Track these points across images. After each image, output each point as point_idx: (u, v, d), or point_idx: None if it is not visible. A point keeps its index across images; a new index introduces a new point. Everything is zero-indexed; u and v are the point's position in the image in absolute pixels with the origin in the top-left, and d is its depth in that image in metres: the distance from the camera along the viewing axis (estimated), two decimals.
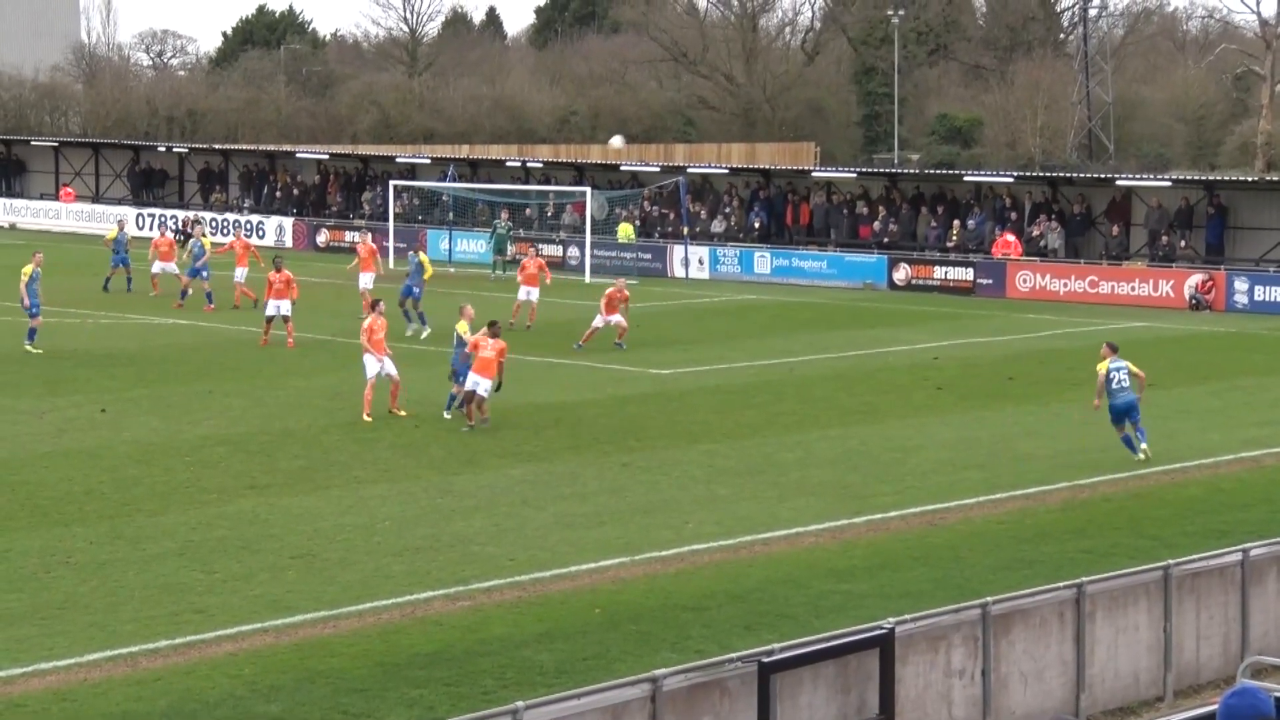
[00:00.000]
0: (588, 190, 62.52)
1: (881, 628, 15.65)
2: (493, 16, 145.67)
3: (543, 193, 67.81)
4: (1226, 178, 69.55)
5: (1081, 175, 70.04)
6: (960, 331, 45.58)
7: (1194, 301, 51.57)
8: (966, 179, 62.38)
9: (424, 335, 41.12)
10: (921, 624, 16.06)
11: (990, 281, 55.25)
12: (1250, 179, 73.66)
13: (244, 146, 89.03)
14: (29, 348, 38.63)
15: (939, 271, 56.60)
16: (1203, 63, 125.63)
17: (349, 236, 66.38)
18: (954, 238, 58.28)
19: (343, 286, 50.68)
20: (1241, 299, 51.45)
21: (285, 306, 40.49)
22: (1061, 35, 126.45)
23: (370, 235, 50.48)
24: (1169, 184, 58.89)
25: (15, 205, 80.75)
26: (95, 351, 39.45)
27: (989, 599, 16.67)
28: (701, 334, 44.25)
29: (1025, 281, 54.61)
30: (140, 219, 72.11)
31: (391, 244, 63.07)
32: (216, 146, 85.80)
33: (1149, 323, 47.64)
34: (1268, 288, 51.29)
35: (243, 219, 72.79)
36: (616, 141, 70.58)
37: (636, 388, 35.30)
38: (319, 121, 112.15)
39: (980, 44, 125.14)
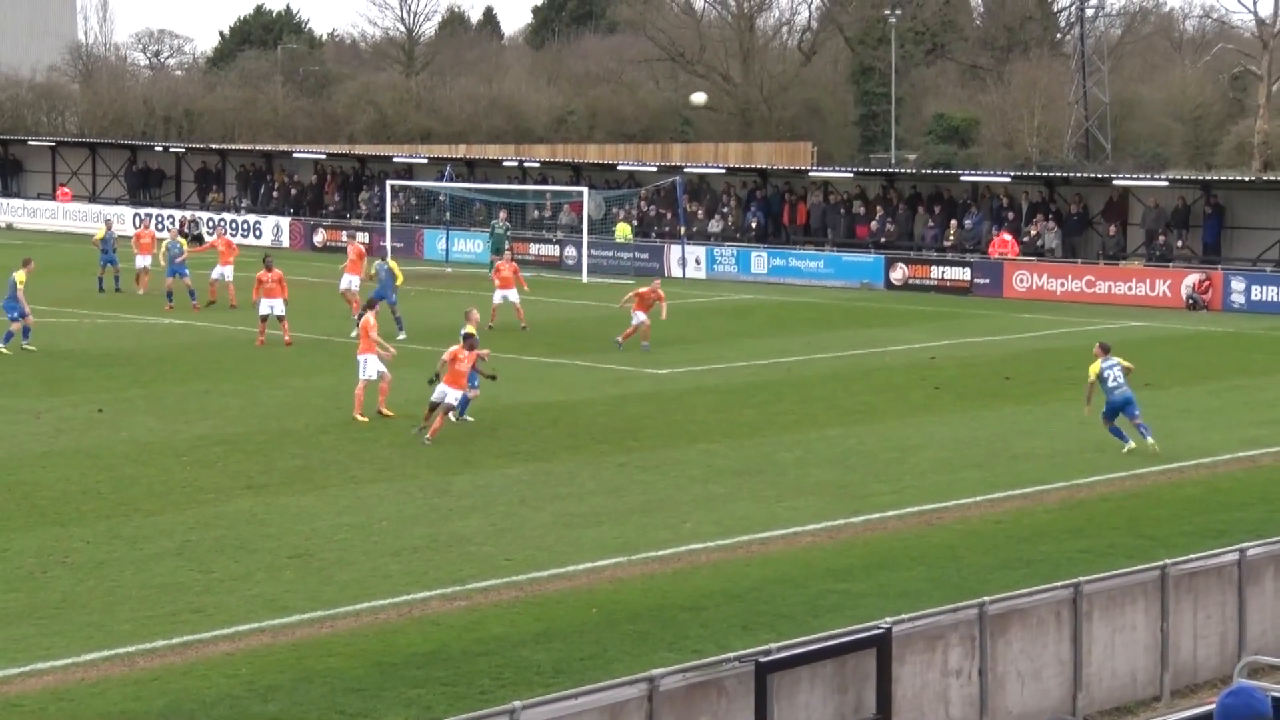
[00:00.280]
0: (585, 190, 62.54)
1: (879, 627, 15.66)
2: (490, 16, 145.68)
3: (540, 192, 67.83)
4: (1223, 177, 69.55)
5: (1078, 175, 70.06)
6: (957, 331, 45.59)
7: (1191, 301, 51.59)
8: (963, 179, 62.40)
9: (400, 337, 41.01)
10: (919, 624, 16.06)
11: (987, 281, 55.27)
12: (1247, 179, 73.69)
13: (241, 146, 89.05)
14: (3, 349, 38.64)
15: (936, 271, 56.61)
16: (1199, 62, 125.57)
17: (345, 237, 66.32)
18: (951, 237, 58.30)
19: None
20: (1238, 299, 51.47)
21: (278, 306, 40.57)
22: (1058, 35, 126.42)
23: (357, 236, 50.54)
24: (1166, 184, 58.91)
25: (12, 205, 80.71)
26: (92, 351, 39.45)
27: (986, 599, 16.68)
28: (699, 334, 44.24)
29: (1022, 281, 54.62)
30: (137, 219, 72.05)
31: (389, 244, 63.07)
32: (213, 146, 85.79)
33: (1146, 322, 47.66)
34: (1264, 287, 51.32)
35: (240, 219, 72.84)
36: (699, 97, 70.74)
37: (634, 387, 35.30)
38: (316, 121, 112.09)
39: (977, 44, 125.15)
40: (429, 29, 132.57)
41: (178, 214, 73.14)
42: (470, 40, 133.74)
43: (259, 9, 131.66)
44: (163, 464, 26.94)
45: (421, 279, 57.07)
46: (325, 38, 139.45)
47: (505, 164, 73.95)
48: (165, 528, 22.89)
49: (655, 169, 70.37)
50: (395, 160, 74.91)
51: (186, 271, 48.24)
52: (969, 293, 55.26)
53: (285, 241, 70.20)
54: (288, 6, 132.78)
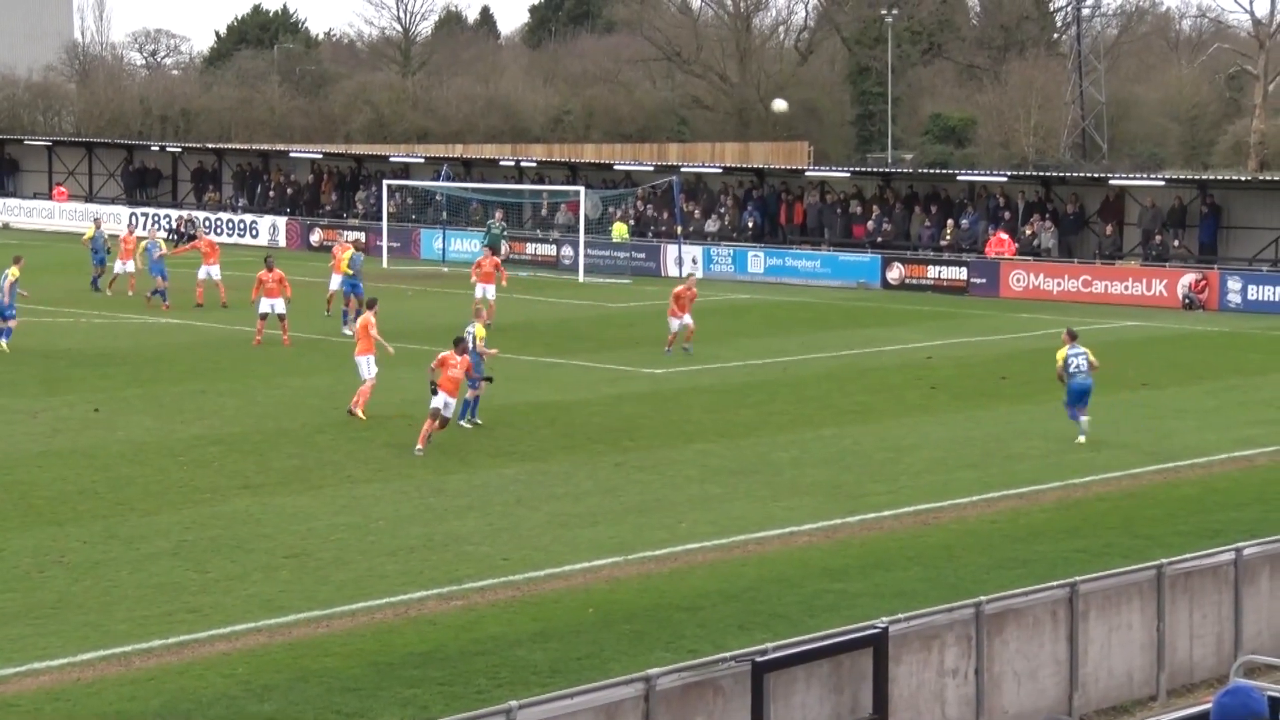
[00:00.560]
0: (581, 190, 62.53)
1: (875, 627, 15.66)
2: (486, 16, 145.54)
3: (536, 192, 67.83)
4: (1220, 177, 69.58)
5: (1075, 175, 70.05)
6: (954, 331, 45.60)
7: (1187, 301, 51.61)
8: (960, 178, 62.41)
9: (345, 331, 41.05)
10: (915, 623, 16.07)
11: (984, 281, 55.28)
12: (1243, 178, 73.77)
13: (238, 146, 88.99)
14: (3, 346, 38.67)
15: (933, 271, 56.62)
16: (1196, 62, 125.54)
17: (342, 236, 66.31)
18: (948, 237, 58.31)
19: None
20: (1234, 298, 51.50)
21: (279, 305, 40.61)
22: (1055, 35, 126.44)
23: (344, 236, 50.69)
24: (1162, 183, 58.94)
25: (8, 205, 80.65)
26: (89, 351, 39.43)
27: (982, 598, 16.68)
28: (695, 333, 44.20)
29: (1019, 281, 54.63)
30: (133, 218, 72.01)
31: (385, 243, 63.12)
32: (210, 146, 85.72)
33: (1142, 322, 47.68)
34: (1261, 287, 51.35)
35: (236, 218, 72.81)
36: (780, 104, 70.72)
37: (631, 387, 35.30)
38: (313, 121, 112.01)
39: (974, 43, 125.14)
40: (425, 28, 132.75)
41: (174, 214, 73.06)
42: (467, 40, 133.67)
43: (255, 9, 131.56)
44: (159, 464, 26.93)
45: (418, 279, 57.09)
46: (322, 37, 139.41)
47: (502, 164, 73.94)
48: (161, 527, 22.89)
49: (652, 169, 70.36)
50: (392, 160, 74.90)
51: (165, 272, 48.19)
52: (965, 292, 55.27)
53: (282, 241, 70.15)
54: (284, 6, 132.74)
